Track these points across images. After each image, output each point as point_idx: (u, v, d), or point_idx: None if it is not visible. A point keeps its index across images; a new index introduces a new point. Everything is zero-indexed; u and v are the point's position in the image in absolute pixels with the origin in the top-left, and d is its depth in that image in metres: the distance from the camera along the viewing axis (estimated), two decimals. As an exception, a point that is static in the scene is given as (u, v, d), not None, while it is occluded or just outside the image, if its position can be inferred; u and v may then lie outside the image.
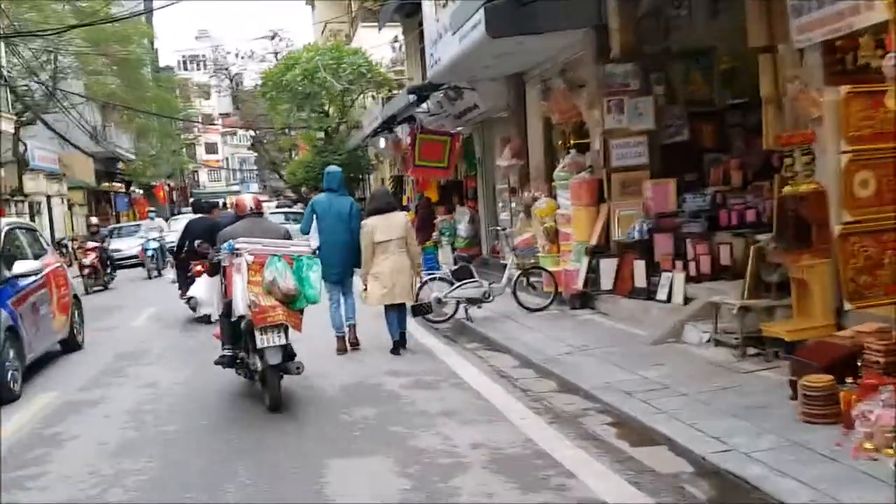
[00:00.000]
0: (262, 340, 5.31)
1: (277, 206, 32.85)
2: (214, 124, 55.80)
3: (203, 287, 8.48)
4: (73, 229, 28.52)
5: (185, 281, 9.86)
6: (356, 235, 7.21)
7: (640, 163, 8.34)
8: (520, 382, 5.91)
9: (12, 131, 20.71)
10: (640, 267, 7.78)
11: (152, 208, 21.82)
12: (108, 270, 16.67)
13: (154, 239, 18.18)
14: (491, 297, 8.47)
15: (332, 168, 8.00)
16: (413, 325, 8.67)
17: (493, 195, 13.31)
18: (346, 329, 7.40)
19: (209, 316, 8.15)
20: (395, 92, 17.85)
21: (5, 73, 22.65)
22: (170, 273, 12.60)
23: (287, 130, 29.89)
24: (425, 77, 12.21)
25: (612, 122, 8.31)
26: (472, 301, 8.44)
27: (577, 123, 9.93)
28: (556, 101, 9.89)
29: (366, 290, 7.18)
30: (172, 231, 21.02)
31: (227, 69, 37.51)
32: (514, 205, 11.50)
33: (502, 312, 8.67)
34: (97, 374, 7.44)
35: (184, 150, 56.87)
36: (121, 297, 14.72)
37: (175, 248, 10.55)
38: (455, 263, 9.10)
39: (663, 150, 8.48)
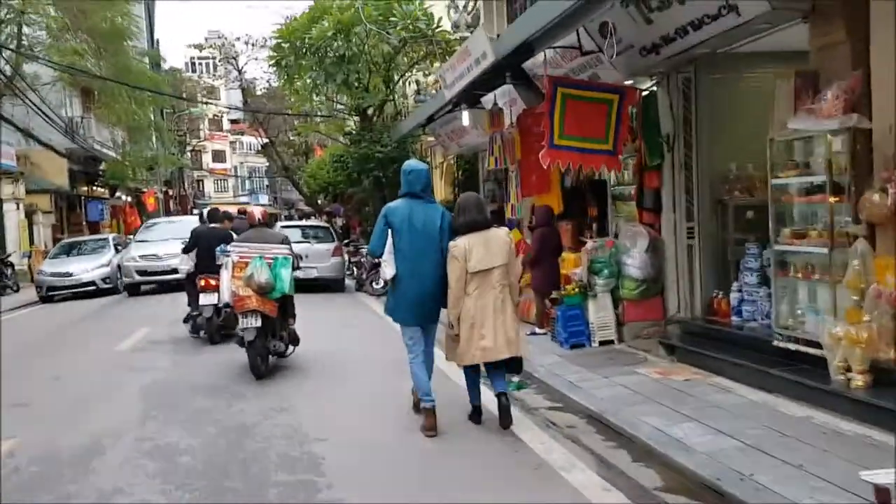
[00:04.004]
0: (242, 323, 6.87)
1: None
2: (222, 115, 49.88)
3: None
4: (31, 242, 22.54)
5: (195, 296, 9.22)
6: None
7: None
8: None
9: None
10: None
11: None
12: None
13: None
14: None
15: (414, 164, 5.34)
16: None
17: (703, 198, 7.11)
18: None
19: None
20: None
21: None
22: None
23: (308, 113, 22.67)
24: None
25: None
26: None
27: None
28: None
29: (455, 338, 4.99)
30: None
31: (235, 58, 31.43)
32: (846, 225, 5.17)
33: None
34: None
35: (188, 153, 50.97)
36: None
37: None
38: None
39: None
